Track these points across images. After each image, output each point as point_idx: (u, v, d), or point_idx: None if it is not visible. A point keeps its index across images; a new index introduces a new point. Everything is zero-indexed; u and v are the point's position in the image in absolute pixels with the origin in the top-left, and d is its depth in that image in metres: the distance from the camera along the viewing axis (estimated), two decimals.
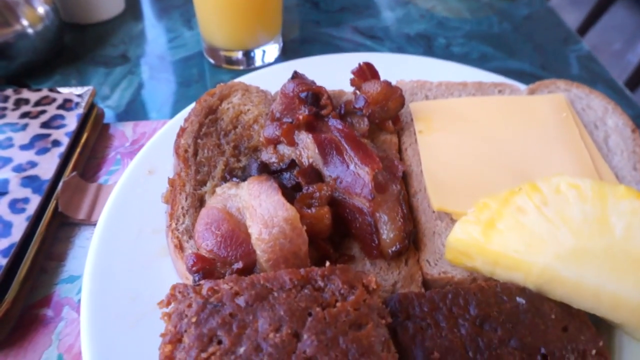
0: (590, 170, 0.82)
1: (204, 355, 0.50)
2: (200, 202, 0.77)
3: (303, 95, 0.87)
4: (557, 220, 0.64)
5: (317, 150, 0.78)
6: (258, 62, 1.23)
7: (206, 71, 1.26)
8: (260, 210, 0.65)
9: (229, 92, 0.93)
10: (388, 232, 0.71)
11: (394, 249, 0.70)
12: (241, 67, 1.22)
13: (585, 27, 4.24)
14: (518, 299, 0.62)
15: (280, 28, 1.27)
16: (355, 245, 0.75)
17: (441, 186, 0.81)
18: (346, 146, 0.78)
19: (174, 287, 0.58)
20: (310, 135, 0.79)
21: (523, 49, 1.39)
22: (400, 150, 0.91)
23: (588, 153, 0.85)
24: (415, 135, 0.91)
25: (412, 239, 0.76)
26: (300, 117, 0.82)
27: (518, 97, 0.97)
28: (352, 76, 0.91)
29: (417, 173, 0.86)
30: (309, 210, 0.68)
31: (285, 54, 1.31)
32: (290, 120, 0.84)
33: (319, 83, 0.98)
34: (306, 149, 0.79)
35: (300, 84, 0.89)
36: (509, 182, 0.74)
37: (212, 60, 1.26)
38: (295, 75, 0.95)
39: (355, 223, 0.73)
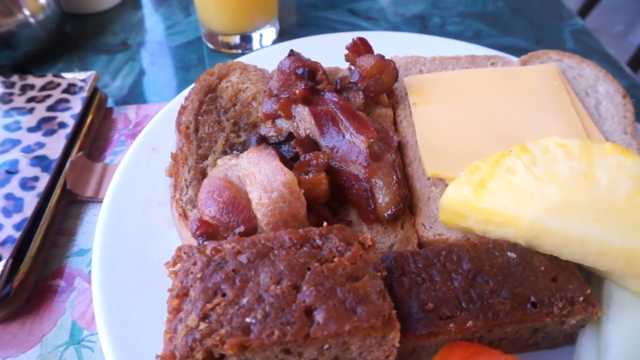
0: (581, 134, 0.84)
1: (209, 306, 0.53)
2: (203, 175, 0.79)
3: (299, 71, 0.89)
4: (545, 177, 0.66)
5: (313, 122, 0.80)
6: (256, 46, 1.25)
7: (205, 56, 1.29)
8: (260, 176, 0.67)
9: (227, 72, 0.96)
10: (383, 197, 0.73)
11: (389, 212, 0.73)
12: (239, 51, 1.24)
13: (586, 9, 4.23)
14: (509, 253, 0.65)
15: (277, 12, 1.29)
16: (352, 212, 0.77)
17: (435, 153, 0.83)
18: (342, 117, 0.80)
19: (179, 249, 0.61)
20: (306, 108, 0.82)
21: (517, 25, 1.41)
22: (395, 123, 0.93)
23: (579, 119, 0.87)
24: (409, 109, 0.93)
25: (408, 205, 0.78)
26: (297, 91, 0.84)
27: (510, 68, 0.99)
28: (347, 53, 0.94)
29: (412, 143, 0.88)
30: (307, 176, 0.71)
31: (282, 38, 1.33)
32: (287, 95, 0.87)
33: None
34: (303, 120, 0.82)
35: (297, 61, 0.91)
36: (501, 147, 0.76)
37: (210, 45, 1.29)
38: (292, 53, 0.97)
39: (352, 190, 0.76)
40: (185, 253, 0.60)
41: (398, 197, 0.73)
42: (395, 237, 0.74)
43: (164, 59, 1.28)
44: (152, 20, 1.43)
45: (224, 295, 0.54)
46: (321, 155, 0.74)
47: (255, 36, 1.24)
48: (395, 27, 1.39)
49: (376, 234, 0.74)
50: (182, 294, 0.54)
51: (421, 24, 1.40)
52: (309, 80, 0.88)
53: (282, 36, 1.33)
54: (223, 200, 0.68)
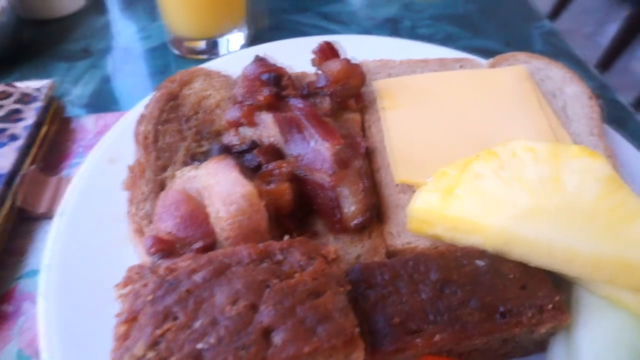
0: (550, 136, 0.83)
1: (158, 331, 0.49)
2: (162, 187, 0.76)
3: (264, 77, 0.87)
4: (513, 182, 0.65)
5: (277, 129, 0.77)
6: (223, 51, 1.22)
7: (171, 62, 1.25)
8: (218, 188, 0.64)
9: (190, 78, 0.92)
10: (350, 206, 0.71)
11: (356, 221, 0.70)
12: (205, 57, 1.20)
13: (557, 11, 4.31)
14: (478, 261, 0.63)
15: (245, 16, 1.26)
16: (319, 222, 0.75)
17: (404, 159, 0.81)
18: (307, 123, 0.77)
19: (131, 269, 0.57)
20: (270, 115, 0.79)
21: (488, 27, 1.41)
22: (364, 128, 0.91)
23: (547, 121, 0.86)
24: (379, 113, 0.91)
25: (376, 213, 0.76)
26: (261, 97, 0.81)
27: (479, 70, 0.98)
28: (313, 57, 0.91)
29: (380, 149, 0.86)
30: (269, 187, 0.68)
31: (252, 43, 1.29)
32: (252, 102, 0.84)
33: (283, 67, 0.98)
34: (267, 128, 0.79)
35: (261, 66, 0.88)
36: (470, 151, 0.74)
37: (177, 51, 1.25)
38: (257, 59, 0.94)
39: (317, 199, 0.73)
40: (136, 274, 0.56)
41: (365, 205, 0.71)
42: (363, 247, 0.72)
43: (128, 65, 1.23)
44: (117, 25, 1.38)
45: (175, 319, 0.51)
46: (285, 164, 0.71)
47: (222, 41, 1.20)
48: (366, 31, 1.37)
49: (343, 244, 0.72)
50: (130, 319, 0.51)
51: (392, 27, 1.39)
52: (274, 86, 0.86)
53: (251, 41, 1.30)
54: (180, 214, 0.65)
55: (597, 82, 1.23)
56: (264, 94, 0.82)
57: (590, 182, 0.60)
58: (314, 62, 0.91)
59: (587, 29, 4.72)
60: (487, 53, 1.29)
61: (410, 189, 0.79)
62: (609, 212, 0.57)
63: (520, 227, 0.60)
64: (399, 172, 0.79)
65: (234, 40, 1.23)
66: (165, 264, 0.57)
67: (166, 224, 0.65)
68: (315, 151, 0.74)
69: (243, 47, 1.27)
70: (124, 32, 1.35)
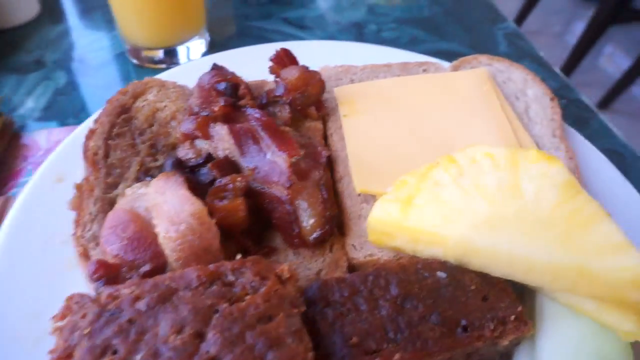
0: (512, 140, 0.83)
1: None
2: (111, 206, 0.72)
3: (220, 86, 0.84)
4: (472, 190, 0.63)
5: (232, 141, 0.75)
6: (183, 60, 1.18)
7: (130, 72, 1.20)
8: (167, 207, 0.61)
9: (143, 90, 0.89)
10: (308, 219, 0.68)
11: (315, 235, 0.68)
12: (164, 66, 1.16)
13: (525, 12, 4.39)
14: (439, 273, 0.61)
15: (204, 23, 1.22)
16: (278, 237, 0.72)
17: (365, 167, 0.79)
18: (263, 134, 0.75)
19: (69, 298, 0.53)
20: (225, 127, 0.76)
21: (452, 30, 1.41)
22: (326, 137, 0.89)
23: (509, 124, 0.85)
24: (340, 121, 0.89)
25: (337, 225, 0.74)
26: (216, 108, 0.78)
27: (441, 74, 0.97)
28: (270, 65, 0.88)
29: (342, 158, 0.84)
30: (222, 203, 0.65)
31: (213, 50, 1.26)
32: (207, 113, 0.81)
33: (243, 75, 0.95)
34: (222, 140, 0.76)
35: (217, 75, 0.85)
36: (433, 157, 0.73)
37: (135, 61, 1.21)
38: (214, 67, 0.91)
39: (275, 213, 0.70)
40: (76, 303, 0.53)
41: (324, 218, 0.69)
42: (324, 261, 0.69)
43: (84, 77, 1.19)
44: (73, 35, 1.33)
45: (115, 352, 0.47)
46: (239, 178, 0.68)
47: (181, 49, 1.17)
48: (331, 36, 1.35)
49: (303, 259, 0.69)
50: (65, 356, 0.47)
51: (357, 32, 1.38)
52: (230, 95, 0.83)
53: (213, 48, 1.27)
54: (127, 235, 0.61)
55: (560, 82, 1.24)
56: (219, 104, 0.79)
57: (548, 188, 0.59)
58: (272, 70, 0.88)
59: (555, 29, 4.83)
60: (452, 55, 1.28)
61: (372, 198, 0.77)
62: (567, 219, 0.56)
63: (479, 237, 0.58)
64: (360, 181, 0.77)
65: (194, 48, 1.19)
66: (107, 291, 0.53)
67: (112, 247, 0.61)
68: (271, 163, 0.72)
69: (204, 54, 1.23)
70: (80, 41, 1.30)
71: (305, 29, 1.38)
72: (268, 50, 1.07)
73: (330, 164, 0.84)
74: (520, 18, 4.45)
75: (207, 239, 0.60)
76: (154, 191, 0.63)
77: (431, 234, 0.61)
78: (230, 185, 0.67)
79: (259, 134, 0.75)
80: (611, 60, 4.57)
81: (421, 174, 0.68)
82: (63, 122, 1.05)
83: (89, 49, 1.28)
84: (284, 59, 0.88)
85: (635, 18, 4.27)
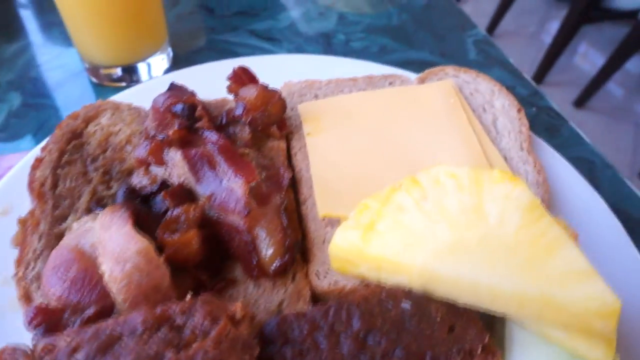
0: (479, 155, 0.81)
1: None
2: (59, 241, 0.67)
3: (175, 108, 0.80)
4: (435, 214, 0.61)
5: (187, 168, 0.71)
6: (144, 77, 1.14)
7: (90, 91, 1.16)
8: (111, 244, 0.57)
9: (96, 113, 0.85)
10: (267, 249, 0.65)
11: (274, 266, 0.64)
12: (124, 84, 1.12)
13: (500, 13, 4.44)
14: (403, 304, 0.58)
15: (165, 38, 1.19)
16: (238, 266, 0.68)
17: (328, 190, 0.76)
18: (219, 159, 0.71)
19: (2, 351, 0.49)
20: (179, 152, 0.72)
21: (422, 38, 1.39)
22: (290, 156, 0.86)
23: (476, 138, 0.83)
24: (304, 139, 0.86)
25: (300, 252, 0.71)
26: (171, 132, 0.75)
27: (407, 87, 0.94)
28: (229, 84, 0.85)
29: (306, 178, 0.81)
30: (173, 237, 0.61)
31: (177, 66, 1.22)
32: (163, 137, 0.77)
33: (205, 92, 0.92)
34: (176, 167, 0.72)
35: (172, 97, 0.82)
36: (398, 178, 0.70)
37: (94, 79, 1.16)
38: (171, 87, 0.88)
39: (233, 243, 0.67)
40: (9, 354, 0.48)
41: (283, 247, 0.65)
42: (285, 292, 0.66)
43: (39, 98, 1.14)
44: (27, 53, 1.27)
45: None
46: (193, 209, 0.65)
47: (141, 66, 1.12)
48: (299, 47, 1.32)
49: (263, 291, 0.66)
50: None
51: (325, 42, 1.35)
52: (186, 118, 0.79)
53: (176, 64, 1.23)
54: (70, 276, 0.57)
55: (530, 89, 1.23)
56: (174, 128, 0.75)
57: (512, 210, 0.57)
58: (229, 89, 0.85)
59: (530, 29, 4.89)
60: (421, 65, 1.27)
61: (338, 222, 0.74)
62: (530, 244, 0.54)
63: (441, 265, 0.56)
64: (323, 204, 0.74)
65: (155, 64, 1.15)
66: (42, 342, 0.49)
67: (55, 288, 0.57)
68: (228, 190, 0.68)
69: (167, 70, 1.19)
70: (35, 60, 1.25)
71: (272, 41, 1.34)
72: (232, 65, 1.04)
73: (294, 186, 0.81)
74: (496, 19, 4.50)
75: (156, 277, 0.56)
76: (99, 227, 0.59)
77: (393, 263, 0.59)
78: (183, 217, 0.63)
79: (215, 159, 0.71)
80: (586, 58, 4.65)
81: (384, 198, 0.65)
82: (17, 148, 1.00)
83: (47, 68, 1.23)
84: (242, 77, 0.84)
85: (606, 17, 4.34)
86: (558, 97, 4.05)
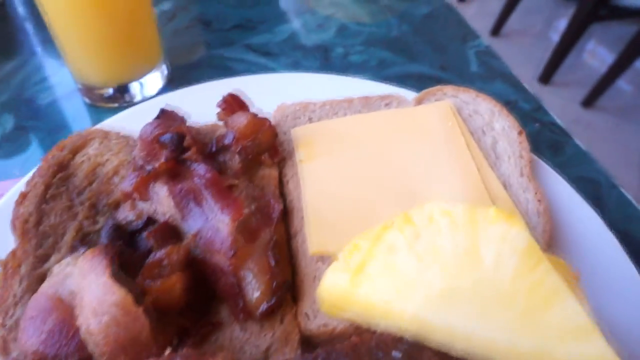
0: (478, 184, 0.78)
1: None
2: (40, 284, 0.66)
3: (164, 138, 0.78)
4: (427, 256, 0.58)
5: (172, 204, 0.69)
6: (138, 97, 1.12)
7: (84, 112, 1.14)
8: (89, 295, 0.55)
9: (83, 143, 0.83)
10: (254, 291, 0.63)
11: (261, 309, 0.62)
12: (116, 105, 1.10)
13: (506, 14, 4.38)
14: (394, 353, 0.55)
15: (161, 56, 1.17)
16: (225, 307, 0.66)
17: (320, 224, 0.74)
18: (206, 194, 0.69)
19: None
20: (165, 187, 0.70)
21: (423, 50, 1.36)
22: (282, 185, 0.83)
23: (475, 165, 0.80)
24: (297, 166, 0.84)
25: (291, 289, 0.68)
26: (157, 165, 0.73)
27: (404, 109, 0.91)
28: (218, 111, 0.83)
29: (299, 209, 0.78)
30: (154, 283, 0.59)
31: (173, 83, 1.20)
32: (151, 168, 0.75)
33: (197, 114, 0.90)
34: (161, 203, 0.70)
35: (160, 125, 0.79)
36: (394, 211, 0.67)
37: (87, 100, 1.14)
38: (162, 114, 0.86)
39: (219, 284, 0.64)
40: None
41: (271, 289, 0.63)
42: (273, 335, 0.63)
43: (32, 120, 1.12)
44: (19, 73, 1.26)
45: None
46: (176, 252, 0.62)
47: (134, 86, 1.10)
48: (296, 62, 1.30)
49: (250, 335, 0.63)
50: None
51: (323, 56, 1.32)
52: (175, 148, 0.77)
53: (171, 81, 1.21)
54: (47, 328, 0.55)
55: (534, 103, 1.19)
56: (160, 160, 0.73)
57: (508, 254, 0.54)
58: (219, 117, 0.83)
59: (537, 28, 4.82)
60: (421, 79, 1.24)
61: (330, 257, 0.71)
62: (527, 294, 0.51)
63: (433, 314, 0.53)
64: (313, 240, 0.71)
65: (149, 82, 1.13)
66: None
67: (31, 341, 0.55)
68: (213, 228, 0.66)
69: (161, 89, 1.17)
70: (28, 81, 1.23)
71: (268, 55, 1.32)
72: (225, 86, 1.02)
73: (286, 217, 0.79)
74: (502, 18, 4.43)
75: (134, 329, 0.54)
76: (78, 273, 0.57)
77: (384, 310, 0.56)
78: (166, 261, 0.61)
79: (202, 194, 0.69)
80: (594, 57, 4.58)
81: (375, 236, 0.62)
82: (7, 175, 0.99)
83: (41, 88, 1.21)
84: (232, 105, 0.82)
85: (615, 15, 4.26)
86: (566, 97, 3.98)
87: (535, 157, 0.88)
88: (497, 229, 0.57)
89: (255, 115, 0.79)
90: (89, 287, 0.55)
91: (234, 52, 1.33)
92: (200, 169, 0.73)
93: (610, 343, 0.56)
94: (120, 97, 1.10)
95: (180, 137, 0.78)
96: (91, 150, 0.82)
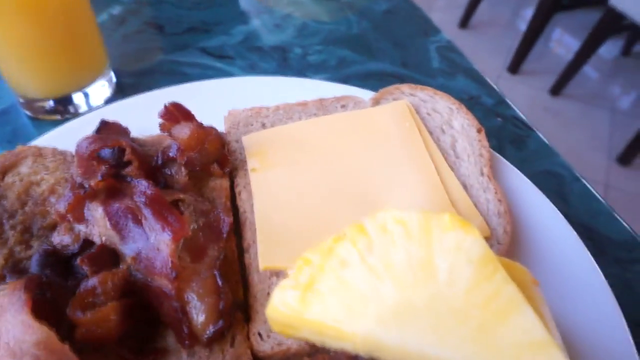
0: (437, 186, 0.75)
1: None
2: None
3: (104, 153, 0.73)
4: (380, 270, 0.54)
5: (109, 225, 0.64)
6: (83, 108, 1.06)
7: (24, 127, 1.07)
8: (7, 335, 0.49)
9: (14, 162, 0.77)
10: (199, 315, 0.58)
11: (207, 333, 0.58)
12: (60, 118, 1.04)
13: (474, 4, 4.40)
14: None
15: (106, 63, 1.10)
16: (171, 333, 0.62)
17: (273, 237, 0.70)
18: (146, 212, 0.64)
19: None
20: (100, 208, 0.65)
21: (383, 47, 1.33)
22: (234, 196, 0.79)
23: (433, 166, 0.78)
24: (249, 176, 0.79)
25: (243, 308, 0.64)
26: (92, 184, 0.67)
27: (360, 111, 0.88)
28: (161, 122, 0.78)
29: (251, 221, 0.74)
30: (85, 315, 0.54)
31: (122, 92, 1.14)
32: (86, 188, 0.69)
33: (145, 124, 0.85)
34: (97, 224, 0.65)
35: (97, 140, 0.74)
36: (354, 219, 0.64)
37: (28, 112, 1.07)
38: (102, 126, 0.80)
39: (162, 309, 0.60)
40: None
41: (218, 312, 0.59)
42: (223, 359, 0.59)
43: None
44: None
45: None
46: (110, 278, 0.57)
47: (77, 97, 1.04)
48: (253, 65, 1.25)
49: None
50: None
51: (281, 57, 1.28)
52: (114, 164, 0.72)
53: (121, 90, 1.14)
54: None
55: (497, 98, 1.18)
56: (96, 178, 0.68)
57: (463, 265, 0.51)
58: (162, 128, 0.78)
59: (505, 17, 4.87)
60: (383, 76, 1.22)
61: (285, 272, 0.68)
62: (482, 308, 0.48)
63: (386, 334, 0.50)
64: (265, 255, 0.67)
65: (95, 92, 1.07)
66: None
67: None
68: (154, 249, 0.61)
69: (109, 99, 1.11)
70: None
71: (224, 59, 1.27)
72: (176, 93, 0.98)
73: (238, 230, 0.74)
74: (470, 10, 4.46)
75: None
76: None
77: (335, 330, 0.52)
78: (99, 289, 0.56)
79: (141, 212, 0.64)
80: (561, 44, 4.65)
81: (326, 250, 0.58)
82: None
83: None
84: (175, 114, 0.77)
85: (579, 4, 4.34)
86: (535, 85, 4.04)
87: (497, 155, 0.85)
88: (452, 238, 0.54)
89: (200, 125, 0.75)
90: (5, 327, 0.50)
91: (188, 57, 1.27)
92: (141, 186, 0.68)
93: (571, 349, 0.54)
94: (64, 109, 1.04)
95: (119, 151, 0.73)
96: (24, 169, 0.76)
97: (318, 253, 0.59)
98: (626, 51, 4.29)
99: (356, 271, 0.55)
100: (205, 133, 0.74)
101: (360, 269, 0.55)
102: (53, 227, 0.71)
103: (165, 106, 0.77)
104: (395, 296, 0.52)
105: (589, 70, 4.12)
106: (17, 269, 0.66)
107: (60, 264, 0.64)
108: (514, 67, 4.05)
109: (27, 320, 0.49)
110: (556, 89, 3.89)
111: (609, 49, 4.24)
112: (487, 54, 4.29)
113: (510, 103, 1.16)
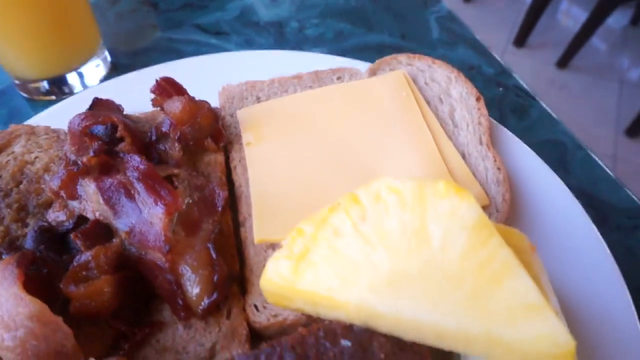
0: (435, 156, 0.74)
1: None
2: None
3: (97, 130, 0.72)
4: (374, 238, 0.54)
5: (102, 201, 0.63)
6: (78, 88, 1.05)
7: (20, 108, 1.07)
8: (1, 309, 0.50)
9: (7, 141, 0.76)
10: (193, 287, 0.58)
11: (202, 306, 0.58)
12: (55, 98, 1.03)
13: None
14: (343, 342, 0.52)
15: (99, 42, 1.09)
16: (167, 306, 0.62)
17: (268, 210, 0.69)
18: (139, 187, 0.64)
19: None
20: (93, 183, 0.65)
21: (382, 19, 1.29)
22: (230, 170, 0.78)
23: (431, 135, 0.76)
24: (244, 150, 0.78)
25: (239, 280, 0.64)
26: (85, 160, 0.67)
27: (356, 82, 0.86)
28: (153, 97, 0.77)
29: (246, 195, 0.74)
30: (80, 288, 0.54)
31: (117, 71, 1.13)
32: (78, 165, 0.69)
33: (141, 102, 0.84)
34: (90, 200, 0.64)
35: (89, 117, 0.73)
36: (350, 190, 0.63)
37: (24, 94, 1.06)
38: (95, 103, 0.79)
39: (156, 282, 0.60)
40: None
41: (212, 284, 0.58)
42: (220, 331, 0.59)
43: None
44: None
45: None
46: (103, 252, 0.57)
47: (72, 77, 1.03)
48: (249, 40, 1.23)
49: (194, 333, 0.59)
50: None
51: (277, 32, 1.25)
52: (107, 140, 0.71)
53: (116, 69, 1.13)
54: None
55: (498, 67, 1.15)
56: (89, 155, 0.67)
57: (457, 231, 0.50)
58: (154, 103, 0.77)
59: None
60: (383, 48, 1.19)
61: (280, 245, 0.67)
62: (476, 273, 0.47)
63: (379, 302, 0.49)
64: (260, 227, 0.67)
65: (89, 72, 1.06)
66: None
67: None
68: (147, 223, 0.61)
69: (104, 78, 1.10)
70: None
71: (219, 35, 1.25)
72: (172, 69, 0.97)
73: (234, 204, 0.74)
74: None
75: (56, 341, 0.49)
76: None
77: (328, 299, 0.52)
78: (92, 263, 0.56)
79: (134, 188, 0.64)
80: (569, 15, 4.53)
81: (320, 220, 0.58)
82: None
83: None
84: (167, 89, 0.76)
85: None
86: (542, 58, 3.95)
87: (496, 123, 0.84)
88: (446, 205, 0.53)
89: (192, 99, 0.73)
90: None
91: (183, 34, 1.25)
92: (134, 161, 0.67)
93: (572, 315, 0.54)
94: (58, 90, 1.03)
95: (112, 127, 0.72)
96: (17, 148, 0.76)
97: (311, 224, 0.58)
98: (635, 21, 4.16)
99: (349, 240, 0.54)
100: (198, 107, 0.73)
101: (353, 238, 0.54)
102: (48, 205, 0.71)
103: (157, 81, 0.76)
104: (388, 264, 0.51)
105: (596, 41, 4.01)
106: (13, 246, 0.66)
107: (55, 240, 0.64)
108: (520, 40, 3.96)
109: (19, 293, 0.49)
110: (563, 62, 3.80)
111: (618, 19, 4.12)
112: (492, 28, 4.19)
113: (511, 72, 1.13)
